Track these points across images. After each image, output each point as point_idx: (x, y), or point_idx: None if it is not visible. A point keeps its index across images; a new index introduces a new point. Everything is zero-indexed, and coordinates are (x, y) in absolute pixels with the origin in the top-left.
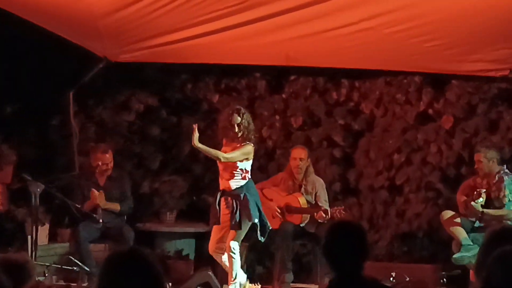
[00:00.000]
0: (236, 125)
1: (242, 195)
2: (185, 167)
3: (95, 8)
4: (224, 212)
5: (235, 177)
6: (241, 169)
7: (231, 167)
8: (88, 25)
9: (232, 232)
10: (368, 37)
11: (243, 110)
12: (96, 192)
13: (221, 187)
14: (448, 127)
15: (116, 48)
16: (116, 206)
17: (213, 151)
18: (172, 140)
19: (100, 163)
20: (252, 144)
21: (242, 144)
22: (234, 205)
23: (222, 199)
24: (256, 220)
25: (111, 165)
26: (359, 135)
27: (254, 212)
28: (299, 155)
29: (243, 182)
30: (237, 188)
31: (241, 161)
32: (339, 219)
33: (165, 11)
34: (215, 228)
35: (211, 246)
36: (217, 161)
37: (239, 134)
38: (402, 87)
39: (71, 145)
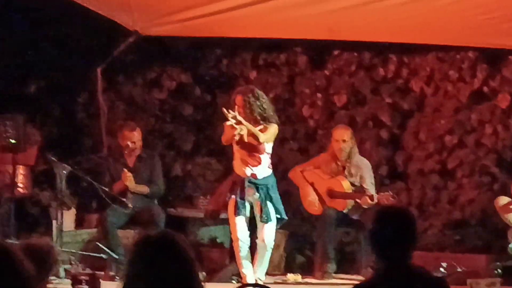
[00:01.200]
0: (253, 106)
1: (270, 186)
2: (220, 149)
3: None
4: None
5: (263, 164)
6: (268, 154)
7: (259, 151)
8: None
9: (264, 225)
10: (418, 9)
11: (257, 90)
12: (128, 173)
13: (242, 174)
14: (505, 106)
15: (147, 21)
16: (144, 189)
17: (253, 129)
18: (206, 119)
19: (128, 143)
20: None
21: (266, 125)
22: (263, 197)
23: (248, 189)
24: (286, 217)
25: (139, 144)
26: (408, 115)
27: (281, 207)
28: (341, 136)
29: (270, 171)
30: (264, 178)
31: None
32: (389, 205)
33: None
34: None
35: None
36: (237, 145)
37: (261, 115)
38: (454, 63)
39: (99, 125)
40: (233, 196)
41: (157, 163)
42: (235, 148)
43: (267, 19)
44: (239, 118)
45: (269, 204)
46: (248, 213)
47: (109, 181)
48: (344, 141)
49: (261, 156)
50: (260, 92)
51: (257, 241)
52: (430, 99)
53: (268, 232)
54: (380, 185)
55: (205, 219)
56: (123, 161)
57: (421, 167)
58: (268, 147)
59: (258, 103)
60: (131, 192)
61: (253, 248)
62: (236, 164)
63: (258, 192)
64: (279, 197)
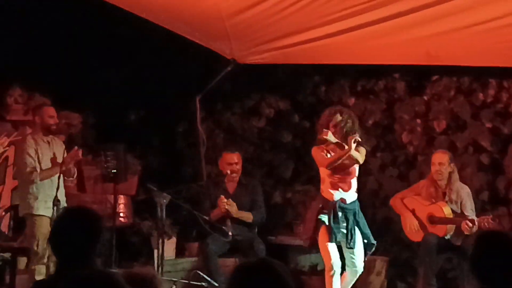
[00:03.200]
0: (345, 125)
1: (357, 210)
2: (320, 176)
3: (221, 8)
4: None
5: (352, 188)
6: (356, 178)
7: (351, 175)
8: (215, 25)
9: (353, 251)
10: None
11: (345, 110)
12: (224, 199)
13: (330, 199)
14: None
15: (244, 50)
16: (248, 215)
17: (354, 152)
18: (305, 146)
19: (229, 171)
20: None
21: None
22: (351, 222)
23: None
24: (374, 241)
25: (239, 167)
26: (509, 139)
27: (369, 231)
28: (439, 159)
29: (356, 196)
30: (352, 202)
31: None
32: (487, 229)
33: (295, 9)
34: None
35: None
36: (327, 169)
37: (349, 135)
38: None
39: (199, 153)
40: (324, 220)
41: (259, 189)
42: (326, 172)
43: (364, 45)
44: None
45: (356, 229)
46: (338, 238)
47: (209, 209)
48: (441, 164)
49: (352, 180)
50: (350, 112)
51: (347, 268)
52: None
53: (359, 259)
54: (481, 211)
55: (307, 248)
56: (224, 187)
57: None
58: (357, 171)
59: (349, 122)
60: (231, 219)
61: None
62: (325, 189)
63: (346, 217)
64: (365, 221)
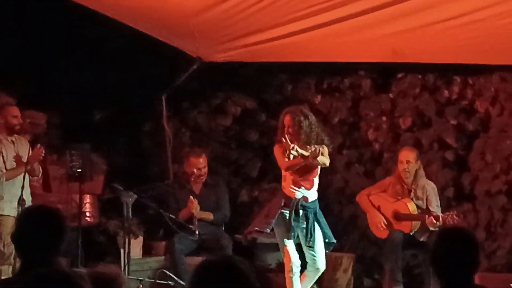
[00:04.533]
0: (302, 125)
1: (317, 209)
2: None
3: (186, 6)
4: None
5: (314, 186)
6: (317, 177)
7: (314, 174)
8: (180, 23)
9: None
10: (481, 30)
11: (306, 110)
12: (194, 200)
13: (293, 196)
14: None
15: (210, 48)
16: (209, 216)
17: (321, 157)
18: (272, 145)
19: (195, 170)
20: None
21: (318, 146)
22: (312, 221)
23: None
24: (334, 240)
25: (205, 170)
26: (474, 136)
27: (329, 230)
28: (406, 157)
29: (317, 194)
30: (313, 201)
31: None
32: (451, 225)
33: (260, 7)
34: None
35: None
36: (287, 169)
37: (308, 135)
38: None
39: (165, 152)
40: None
41: (223, 189)
42: (287, 172)
43: (330, 43)
44: (300, 151)
45: (317, 228)
46: (296, 236)
47: (175, 208)
48: (408, 162)
49: (314, 179)
50: (309, 112)
51: (308, 266)
52: (495, 119)
53: (320, 257)
54: (446, 207)
55: (243, 241)
56: (189, 188)
57: (488, 188)
58: (319, 170)
59: (306, 122)
60: (197, 219)
61: None
62: (287, 186)
63: (306, 216)
64: (325, 221)
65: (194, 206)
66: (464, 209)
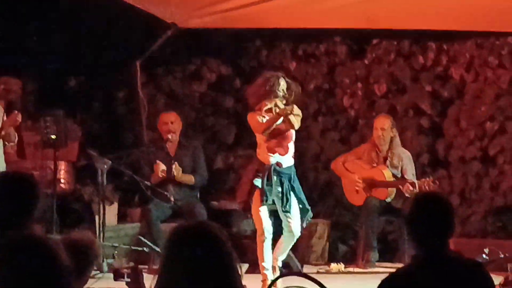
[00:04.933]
0: (277, 89)
1: (293, 175)
2: None
3: None
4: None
5: (289, 152)
6: (293, 142)
7: (287, 139)
8: None
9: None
10: None
11: (281, 75)
12: (162, 165)
13: (266, 162)
14: None
15: (185, 13)
16: (190, 178)
17: (292, 117)
18: (247, 111)
19: (170, 137)
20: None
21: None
22: (286, 187)
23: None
24: (308, 207)
25: (177, 130)
26: (448, 102)
27: (304, 196)
28: (381, 124)
29: (293, 161)
30: (288, 167)
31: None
32: (426, 191)
33: None
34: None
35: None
36: (264, 131)
37: (285, 99)
38: (494, 49)
39: (140, 119)
40: (257, 184)
41: (200, 151)
42: (263, 137)
43: (306, 9)
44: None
45: (292, 194)
46: (270, 201)
47: (150, 174)
48: (383, 129)
49: (289, 144)
50: (285, 78)
51: (284, 232)
52: (470, 86)
53: (295, 223)
54: (421, 174)
55: (243, 211)
56: (166, 151)
57: (463, 154)
58: (294, 135)
59: (281, 86)
60: (172, 184)
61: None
62: (261, 152)
63: (281, 181)
64: (300, 187)
65: (175, 169)
66: (439, 176)
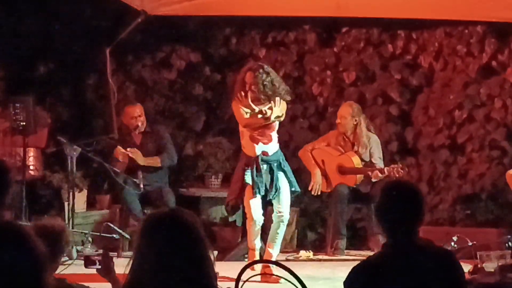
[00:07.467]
0: (263, 84)
1: (281, 160)
2: (231, 128)
3: None
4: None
5: (273, 140)
6: (276, 130)
7: (271, 129)
8: None
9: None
10: None
11: (266, 66)
12: (121, 149)
13: (252, 154)
14: None
15: (155, 1)
16: (155, 160)
17: (275, 113)
18: (216, 99)
19: (139, 124)
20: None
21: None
22: (276, 172)
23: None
24: (299, 189)
25: (144, 122)
26: (417, 90)
27: (294, 179)
28: (340, 112)
29: (278, 146)
30: (275, 153)
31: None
32: (396, 178)
33: None
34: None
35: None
36: (246, 126)
37: (272, 91)
38: (463, 38)
39: (109, 106)
40: (248, 181)
41: (165, 134)
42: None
43: None
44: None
45: (280, 178)
46: (262, 192)
47: (119, 162)
48: (342, 117)
49: (272, 134)
50: (270, 69)
51: (274, 216)
52: (439, 74)
53: (285, 209)
54: (390, 161)
55: (228, 213)
56: (133, 141)
57: (431, 142)
58: (277, 124)
59: (268, 79)
60: (142, 170)
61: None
62: (246, 144)
63: (271, 168)
64: (290, 169)
65: (136, 155)
66: (407, 163)
